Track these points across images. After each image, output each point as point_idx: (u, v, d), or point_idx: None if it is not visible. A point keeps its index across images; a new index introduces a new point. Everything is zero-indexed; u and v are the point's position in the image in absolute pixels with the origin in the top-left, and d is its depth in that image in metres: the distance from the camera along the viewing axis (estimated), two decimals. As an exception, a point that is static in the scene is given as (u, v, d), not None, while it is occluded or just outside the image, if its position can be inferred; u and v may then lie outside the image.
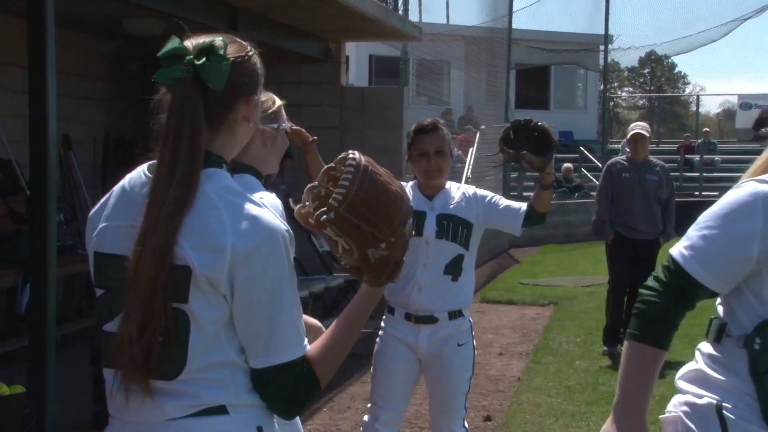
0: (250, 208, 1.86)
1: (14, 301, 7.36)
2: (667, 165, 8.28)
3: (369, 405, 4.28)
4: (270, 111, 2.96)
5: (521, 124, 4.15)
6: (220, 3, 7.44)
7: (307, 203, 1.97)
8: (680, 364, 2.41)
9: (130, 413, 1.98)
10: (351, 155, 1.93)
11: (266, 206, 1.90)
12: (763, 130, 25.92)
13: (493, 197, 4.23)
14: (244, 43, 2.02)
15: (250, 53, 2.00)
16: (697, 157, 23.20)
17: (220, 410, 1.89)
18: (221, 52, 1.91)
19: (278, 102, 2.99)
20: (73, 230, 8.79)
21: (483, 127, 16.78)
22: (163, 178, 1.87)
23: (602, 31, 21.38)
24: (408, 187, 4.07)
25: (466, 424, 4.25)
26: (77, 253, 8.61)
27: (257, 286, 1.85)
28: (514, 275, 13.29)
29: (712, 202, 2.23)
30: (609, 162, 8.33)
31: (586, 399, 6.34)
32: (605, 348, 7.88)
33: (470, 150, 15.56)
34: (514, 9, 18.63)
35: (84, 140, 9.58)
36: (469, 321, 4.21)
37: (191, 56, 1.92)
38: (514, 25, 18.72)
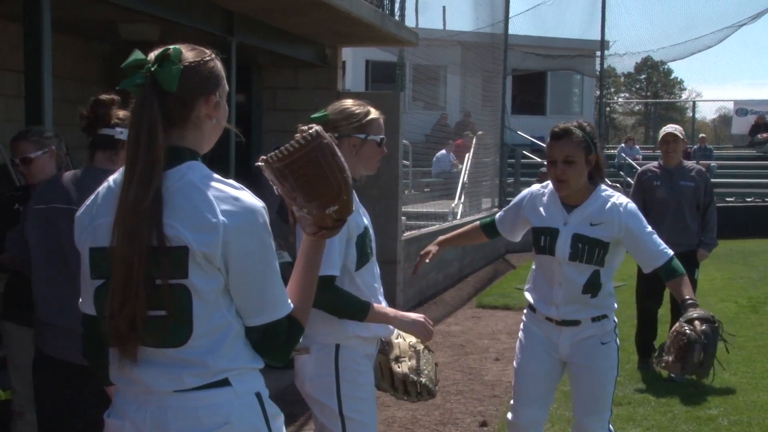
0: (231, 191, 2.16)
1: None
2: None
3: (512, 402, 4.20)
4: (359, 122, 3.39)
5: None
6: (216, 8, 7.44)
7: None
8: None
9: (139, 384, 2.18)
10: (312, 130, 2.21)
11: (244, 188, 2.19)
12: (759, 136, 25.97)
13: (641, 230, 3.91)
14: (204, 50, 2.28)
15: (207, 58, 2.25)
16: (693, 163, 23.21)
17: (223, 383, 2.16)
18: (173, 58, 2.17)
19: (372, 115, 3.47)
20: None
21: (480, 132, 16.80)
22: (128, 170, 2.13)
23: (598, 37, 21.46)
24: (546, 191, 4.02)
25: (611, 427, 4.17)
26: (73, 257, 8.61)
27: (248, 257, 2.15)
28: (511, 280, 13.29)
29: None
30: (640, 170, 7.73)
31: (582, 404, 6.34)
32: (641, 361, 7.39)
33: (467, 155, 15.57)
34: (511, 15, 18.66)
35: (80, 145, 9.56)
36: (614, 321, 4.06)
37: (149, 65, 2.17)
38: (511, 31, 18.75)
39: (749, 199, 20.45)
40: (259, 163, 2.20)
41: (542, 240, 3.97)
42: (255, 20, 8.02)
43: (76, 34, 9.03)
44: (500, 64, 18.10)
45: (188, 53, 2.22)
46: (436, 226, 12.50)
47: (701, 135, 27.02)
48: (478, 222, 4.52)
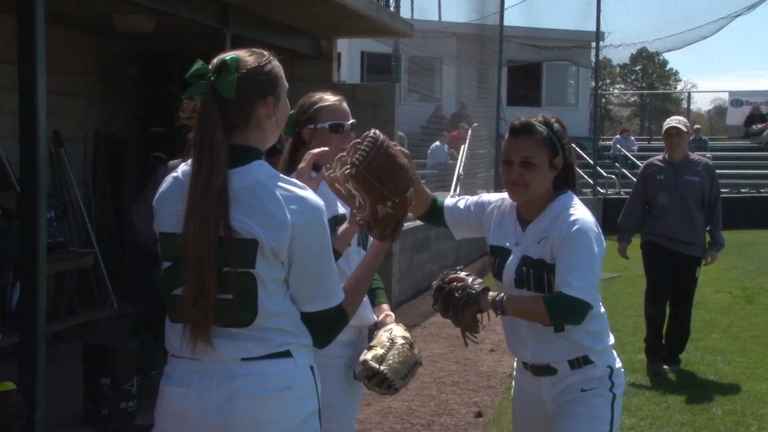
0: (298, 191, 2.39)
1: (4, 299, 7.35)
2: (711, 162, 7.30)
3: None
4: (307, 113, 3.48)
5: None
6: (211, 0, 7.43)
7: (335, 169, 2.55)
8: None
9: (208, 354, 2.40)
10: (372, 132, 2.51)
11: (307, 188, 2.44)
12: (753, 127, 26.00)
13: (573, 253, 3.03)
14: (263, 53, 2.48)
15: (264, 62, 2.45)
16: (660, 155, 23.18)
17: (286, 354, 2.41)
18: (231, 67, 2.37)
19: (321, 103, 3.49)
20: (63, 227, 8.77)
21: (476, 124, 16.79)
22: (194, 169, 2.35)
23: (594, 28, 21.42)
24: (501, 200, 3.31)
25: None
26: (68, 250, 8.60)
27: (309, 253, 2.39)
28: (506, 272, 13.29)
29: None
30: (644, 163, 7.39)
31: (577, 395, 6.36)
32: (649, 364, 7.08)
33: (462, 147, 15.57)
34: (506, 6, 18.63)
35: (75, 137, 9.55)
36: (608, 367, 3.21)
37: (210, 74, 2.38)
38: (506, 22, 18.72)
39: (744, 190, 20.48)
40: (346, 173, 2.49)
41: (494, 262, 3.28)
42: (250, 12, 8.01)
43: (70, 25, 9.00)
44: (495, 56, 18.09)
45: (247, 59, 2.42)
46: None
47: (696, 126, 27.02)
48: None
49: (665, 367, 7.06)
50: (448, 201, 3.46)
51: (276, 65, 2.50)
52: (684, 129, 6.92)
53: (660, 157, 7.16)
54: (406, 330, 3.51)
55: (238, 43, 7.73)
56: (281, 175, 2.42)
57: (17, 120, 5.08)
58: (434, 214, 3.43)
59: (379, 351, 3.36)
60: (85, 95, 9.73)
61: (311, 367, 2.48)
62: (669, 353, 7.15)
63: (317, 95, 3.56)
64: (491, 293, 3.07)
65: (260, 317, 2.37)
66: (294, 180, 2.44)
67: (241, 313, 2.36)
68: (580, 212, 3.10)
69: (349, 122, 3.56)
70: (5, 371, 5.49)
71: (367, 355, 3.35)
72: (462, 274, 3.14)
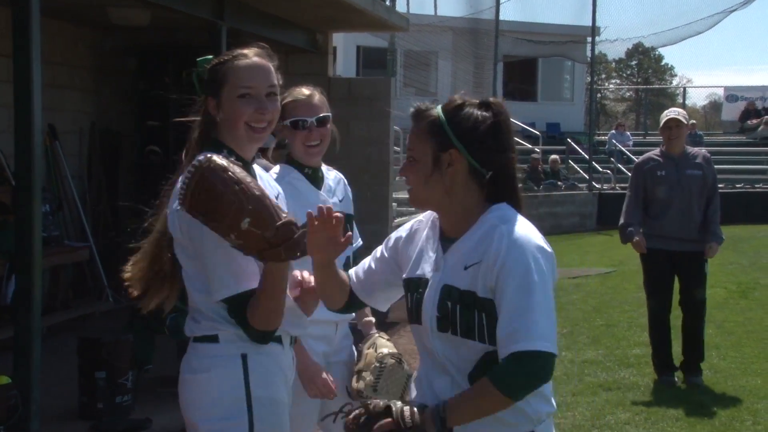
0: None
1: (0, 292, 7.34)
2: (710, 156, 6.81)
3: None
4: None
5: None
6: (207, -7, 7.41)
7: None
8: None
9: None
10: (195, 161, 2.31)
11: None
12: (749, 122, 26.02)
13: (511, 274, 2.22)
14: (232, 51, 2.69)
15: (216, 61, 2.68)
16: (655, 149, 23.18)
17: (213, 339, 2.53)
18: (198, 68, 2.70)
19: (287, 99, 3.27)
20: (59, 220, 8.75)
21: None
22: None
23: (589, 23, 21.41)
24: (417, 222, 2.54)
25: None
26: (63, 243, 8.58)
27: (195, 242, 2.46)
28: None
29: None
30: (639, 159, 6.95)
31: (572, 389, 6.36)
32: (658, 377, 6.60)
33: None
34: (501, 0, 18.63)
35: (70, 131, 9.53)
36: None
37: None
38: (502, 17, 18.72)
39: (739, 185, 20.50)
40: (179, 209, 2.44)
41: (409, 299, 2.44)
42: (246, 5, 7.98)
43: (65, 18, 8.98)
44: (491, 50, 18.09)
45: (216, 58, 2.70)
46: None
47: (691, 121, 27.01)
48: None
49: (691, 379, 6.52)
50: (353, 270, 2.64)
51: (229, 63, 2.67)
52: (684, 121, 6.57)
53: (656, 151, 6.80)
54: (389, 340, 3.41)
55: (234, 36, 7.73)
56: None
57: (12, 113, 5.06)
58: (352, 300, 2.62)
59: (370, 378, 3.26)
60: (80, 88, 9.71)
61: (243, 356, 2.52)
62: (689, 365, 6.59)
63: (293, 90, 3.39)
64: (422, 412, 2.23)
65: (190, 298, 2.56)
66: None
67: (182, 292, 2.57)
68: (520, 226, 2.27)
69: (315, 117, 3.33)
70: (0, 365, 5.47)
71: (360, 384, 3.26)
72: (359, 410, 2.31)
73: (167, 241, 2.57)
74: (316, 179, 3.41)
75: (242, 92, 2.57)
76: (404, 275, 2.44)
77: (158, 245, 2.61)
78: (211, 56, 2.67)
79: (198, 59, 2.70)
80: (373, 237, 4.07)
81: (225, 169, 2.26)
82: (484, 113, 2.30)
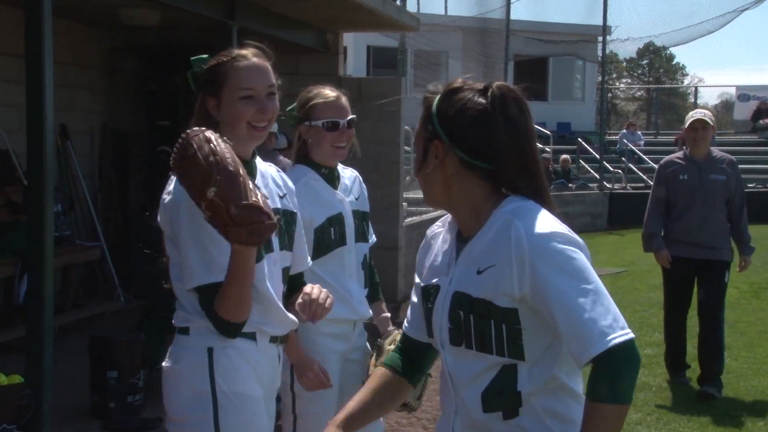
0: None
1: (11, 292, 7.36)
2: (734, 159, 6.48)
3: None
4: (303, 108, 3.42)
5: None
6: (218, -7, 7.42)
7: None
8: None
9: None
10: (189, 130, 2.40)
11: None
12: (761, 121, 25.91)
13: (562, 283, 1.93)
14: (230, 51, 2.70)
15: (213, 62, 2.72)
16: (679, 152, 23.10)
17: (185, 330, 2.61)
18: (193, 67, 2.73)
19: (316, 99, 3.41)
20: (70, 220, 8.78)
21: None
22: None
23: (600, 22, 21.34)
24: (440, 224, 2.25)
25: None
26: (75, 243, 8.61)
27: (174, 228, 2.56)
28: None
29: None
30: (662, 161, 6.63)
31: (582, 390, 6.34)
32: (670, 378, 6.56)
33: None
34: (512, 0, 18.60)
35: (81, 131, 9.56)
36: None
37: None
38: (512, 16, 18.69)
39: (751, 185, 20.43)
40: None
41: (423, 310, 2.21)
42: (256, 5, 7.99)
43: (77, 19, 9.01)
44: (502, 50, 18.06)
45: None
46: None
47: (703, 121, 26.90)
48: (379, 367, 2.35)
49: (708, 392, 6.20)
50: (405, 324, 2.33)
51: (229, 64, 2.71)
52: (710, 122, 6.26)
53: (680, 154, 6.53)
54: None
55: (245, 37, 7.73)
56: None
57: (24, 113, 5.08)
58: (415, 364, 2.28)
59: None
60: (90, 88, 9.74)
61: (209, 349, 2.57)
62: (706, 376, 6.32)
63: (315, 90, 3.48)
64: None
65: (174, 288, 2.62)
66: None
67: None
68: (538, 218, 1.98)
69: (346, 119, 3.45)
70: (12, 364, 5.49)
71: None
72: None
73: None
74: (332, 179, 3.48)
75: (244, 94, 2.61)
76: (421, 284, 2.20)
77: None
78: (206, 55, 2.70)
79: (192, 58, 2.72)
80: (383, 237, 4.06)
81: (209, 140, 2.36)
82: (478, 99, 2.06)
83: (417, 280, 2.23)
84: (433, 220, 10.48)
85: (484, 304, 1.98)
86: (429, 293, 2.13)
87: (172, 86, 9.70)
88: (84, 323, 8.06)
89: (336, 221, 3.38)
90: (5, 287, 7.41)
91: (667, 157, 6.69)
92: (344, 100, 3.47)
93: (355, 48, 20.79)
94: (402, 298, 10.13)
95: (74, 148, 9.19)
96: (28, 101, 4.98)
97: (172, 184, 2.57)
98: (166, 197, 2.58)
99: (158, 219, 2.63)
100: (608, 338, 1.89)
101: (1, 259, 7.18)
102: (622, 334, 1.91)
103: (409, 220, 10.93)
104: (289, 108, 3.44)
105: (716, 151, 6.49)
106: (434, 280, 2.13)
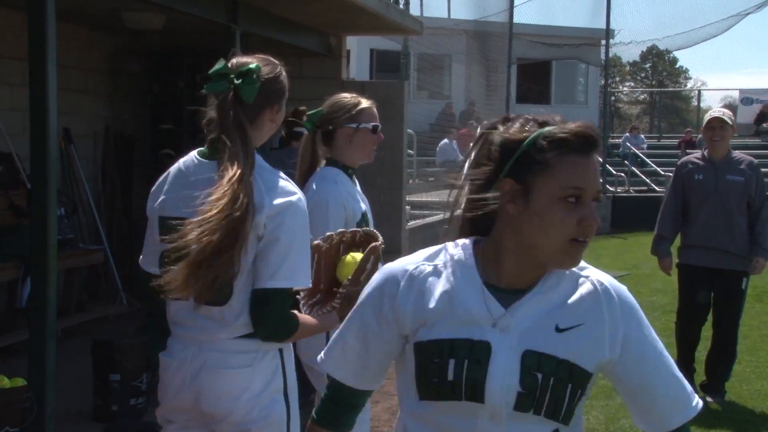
0: (277, 180, 2.65)
1: (15, 295, 7.36)
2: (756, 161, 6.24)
3: None
4: (350, 112, 3.69)
5: None
6: (221, -3, 7.42)
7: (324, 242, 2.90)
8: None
9: (188, 329, 2.73)
10: (374, 247, 2.82)
11: (287, 179, 2.68)
12: (764, 125, 25.89)
13: (651, 342, 1.89)
14: (276, 63, 2.75)
15: (278, 72, 2.74)
16: (697, 152, 23.15)
17: (251, 335, 2.66)
18: (254, 76, 2.63)
19: (362, 105, 3.76)
20: (73, 224, 8.79)
21: (485, 122, 16.74)
22: (231, 158, 2.58)
23: (603, 26, 21.35)
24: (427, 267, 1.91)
25: None
26: (78, 246, 8.62)
27: (281, 229, 2.59)
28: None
29: None
30: (680, 161, 6.42)
31: (586, 393, 6.34)
32: None
33: (471, 145, 15.52)
34: (516, 3, 18.60)
35: (84, 134, 9.57)
36: None
37: (233, 76, 2.63)
38: (515, 20, 18.69)
39: (754, 189, 20.41)
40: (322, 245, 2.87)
41: (452, 368, 1.82)
42: (259, 9, 8.00)
43: (80, 22, 9.02)
44: (505, 53, 18.06)
45: (264, 68, 2.69)
46: (440, 216, 12.48)
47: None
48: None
49: (708, 399, 6.09)
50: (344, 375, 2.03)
51: (285, 75, 2.77)
52: (728, 122, 6.00)
53: (698, 154, 6.32)
54: None
55: (248, 40, 7.75)
56: (267, 167, 2.68)
57: (27, 117, 5.08)
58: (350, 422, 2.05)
59: None
60: (93, 92, 9.75)
61: (280, 350, 2.73)
62: (711, 382, 6.24)
63: (351, 97, 3.83)
64: None
65: (234, 297, 2.63)
66: (275, 170, 2.69)
67: (220, 292, 2.60)
68: (602, 273, 1.93)
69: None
70: (15, 367, 5.50)
71: None
72: None
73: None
74: (353, 179, 3.77)
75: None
76: (420, 338, 1.85)
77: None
78: (254, 65, 2.68)
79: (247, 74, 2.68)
80: (386, 240, 4.09)
81: (377, 260, 2.80)
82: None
83: (407, 330, 1.87)
84: (435, 224, 10.42)
85: (568, 367, 1.80)
86: (461, 348, 1.80)
87: (176, 89, 9.70)
88: (87, 326, 8.06)
89: (364, 219, 3.64)
90: (8, 290, 7.42)
91: (684, 157, 6.52)
92: None
93: (358, 51, 20.80)
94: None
95: (77, 151, 9.20)
96: (31, 105, 4.98)
97: (290, 185, 2.67)
98: (285, 200, 2.62)
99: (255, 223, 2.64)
100: (696, 398, 1.95)
101: (4, 263, 7.19)
102: (698, 398, 1.97)
103: (412, 223, 10.93)
104: (312, 112, 3.71)
105: (736, 152, 6.24)
106: (465, 334, 1.81)
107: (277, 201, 2.60)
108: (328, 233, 2.87)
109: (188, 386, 2.71)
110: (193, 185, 2.61)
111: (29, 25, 4.94)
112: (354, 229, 2.92)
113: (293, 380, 2.78)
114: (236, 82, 2.62)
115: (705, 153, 6.20)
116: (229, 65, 2.66)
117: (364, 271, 2.76)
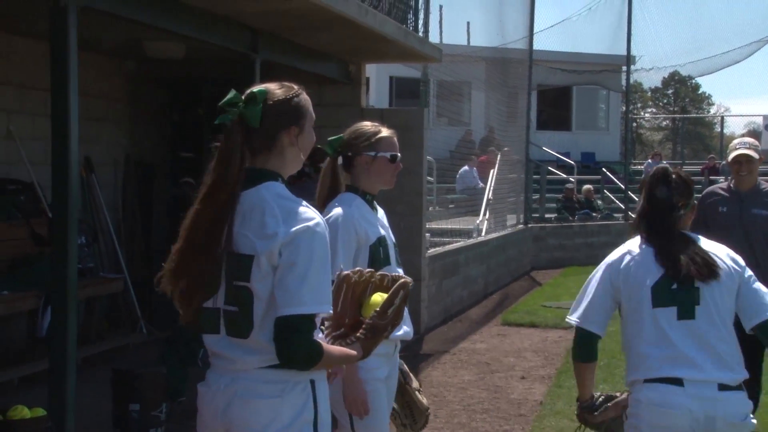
0: (295, 206, 2.62)
1: (35, 324, 7.37)
2: None
3: None
4: (369, 141, 3.75)
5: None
6: (241, 25, 7.46)
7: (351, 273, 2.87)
8: None
9: (221, 360, 2.73)
10: (404, 282, 2.80)
11: (307, 206, 2.64)
12: (787, 150, 25.69)
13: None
14: (292, 86, 2.73)
15: (291, 95, 2.70)
16: (721, 179, 23.01)
17: (281, 365, 2.61)
18: (257, 99, 2.63)
19: (381, 134, 3.81)
20: (94, 252, 8.81)
21: (506, 149, 16.72)
22: (205, 186, 2.63)
23: (624, 52, 21.31)
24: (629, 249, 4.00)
25: None
26: (98, 275, 8.63)
27: (297, 254, 2.56)
28: (537, 298, 13.19)
29: None
30: (705, 191, 6.21)
31: (610, 423, 6.25)
32: None
33: (491, 171, 15.50)
34: (536, 30, 18.60)
35: (105, 162, 9.62)
36: None
37: (241, 103, 2.64)
38: (536, 46, 18.68)
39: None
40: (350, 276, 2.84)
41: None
42: (279, 37, 8.04)
43: (101, 51, 9.09)
44: (525, 80, 18.04)
45: (276, 91, 2.68)
46: (460, 243, 12.42)
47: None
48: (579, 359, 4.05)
49: None
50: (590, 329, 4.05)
51: (304, 98, 2.73)
52: (755, 156, 5.75)
53: (724, 185, 6.09)
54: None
55: (268, 68, 7.78)
56: (287, 194, 2.67)
57: (49, 146, 5.10)
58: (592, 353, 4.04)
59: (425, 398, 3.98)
60: (114, 120, 9.81)
61: (311, 381, 2.69)
62: None
63: (372, 126, 3.87)
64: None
65: (256, 330, 2.61)
66: (296, 198, 2.66)
67: (241, 325, 2.62)
68: None
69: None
70: (35, 397, 5.48)
71: (425, 400, 3.96)
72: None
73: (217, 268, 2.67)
74: (373, 206, 3.83)
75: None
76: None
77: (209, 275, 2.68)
78: (259, 89, 2.69)
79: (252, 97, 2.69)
80: (406, 267, 4.07)
81: (406, 296, 2.81)
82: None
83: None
84: (455, 251, 10.36)
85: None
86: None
87: (196, 118, 9.75)
88: (107, 355, 8.05)
89: (381, 242, 3.70)
90: (29, 320, 7.43)
91: (710, 187, 6.31)
92: None
93: (377, 78, 20.86)
94: (425, 329, 10.06)
95: (98, 179, 9.24)
96: (53, 134, 5.01)
97: (309, 211, 2.64)
98: (302, 226, 2.59)
99: (259, 248, 2.58)
100: None
101: (25, 292, 7.20)
102: None
103: (432, 251, 10.88)
104: (333, 138, 3.77)
105: (765, 183, 5.93)
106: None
107: (294, 228, 2.59)
108: (358, 268, 2.89)
109: (221, 416, 2.72)
110: None
111: (52, 56, 4.97)
112: (383, 272, 2.91)
113: (326, 413, 2.75)
114: (241, 107, 2.64)
115: (731, 185, 5.95)
116: (242, 95, 2.68)
117: (392, 305, 2.75)
